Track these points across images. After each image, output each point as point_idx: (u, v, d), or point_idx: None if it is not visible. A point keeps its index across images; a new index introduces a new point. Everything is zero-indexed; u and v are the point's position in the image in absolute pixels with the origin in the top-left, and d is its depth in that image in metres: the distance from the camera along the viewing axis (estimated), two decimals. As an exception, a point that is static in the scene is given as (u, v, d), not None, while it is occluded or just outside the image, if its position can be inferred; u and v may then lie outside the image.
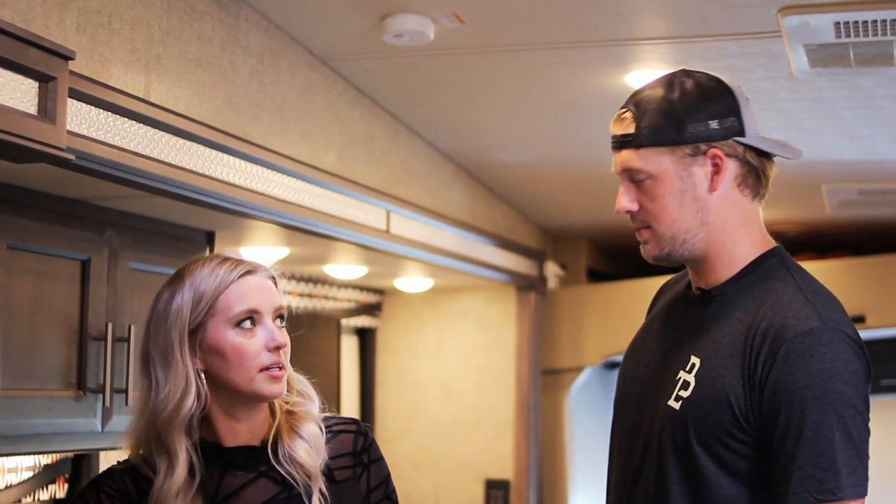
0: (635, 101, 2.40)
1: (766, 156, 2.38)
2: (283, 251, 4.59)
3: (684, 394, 2.31)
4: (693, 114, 2.33)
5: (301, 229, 3.96)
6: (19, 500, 3.55)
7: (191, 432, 2.33)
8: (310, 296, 5.59)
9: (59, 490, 3.73)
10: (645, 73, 4.22)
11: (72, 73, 2.67)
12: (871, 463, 2.34)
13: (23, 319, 2.97)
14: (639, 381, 2.47)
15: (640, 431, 2.41)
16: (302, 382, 2.45)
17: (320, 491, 2.34)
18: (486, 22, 3.78)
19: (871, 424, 2.33)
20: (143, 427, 2.34)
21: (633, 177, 2.39)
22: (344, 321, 6.15)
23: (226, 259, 2.37)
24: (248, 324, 2.32)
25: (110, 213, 3.31)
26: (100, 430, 3.23)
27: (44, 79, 2.55)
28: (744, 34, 3.84)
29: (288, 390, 2.39)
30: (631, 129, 2.37)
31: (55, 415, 3.07)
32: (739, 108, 2.35)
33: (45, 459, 3.63)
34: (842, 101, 4.50)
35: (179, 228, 3.64)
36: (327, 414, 2.49)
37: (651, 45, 4.01)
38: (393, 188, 4.68)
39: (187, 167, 3.24)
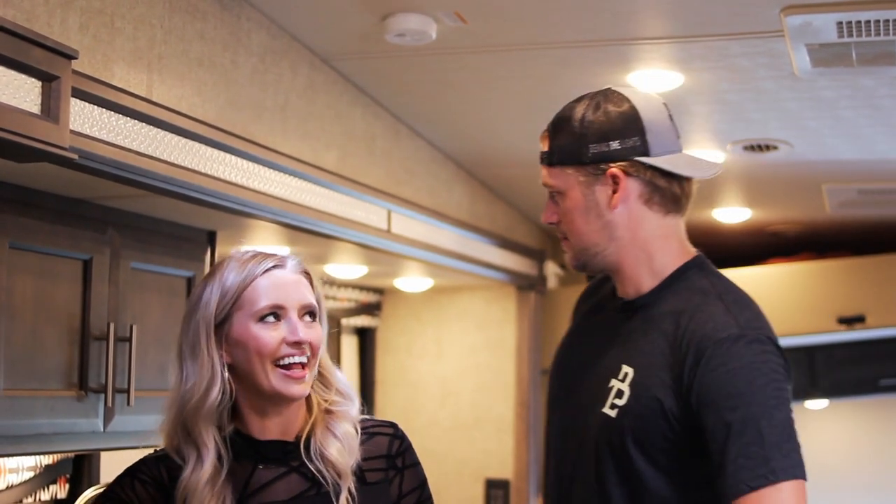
0: (552, 121, 2.54)
1: (677, 175, 2.48)
2: (284, 250, 4.57)
3: (619, 402, 2.41)
4: (596, 135, 2.45)
5: (302, 229, 3.96)
6: (20, 501, 3.55)
7: (222, 424, 2.35)
8: (310, 295, 5.58)
9: (61, 490, 3.72)
10: (646, 72, 4.22)
11: (74, 72, 2.66)
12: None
13: (25, 319, 2.97)
14: (566, 386, 2.59)
15: (572, 435, 2.53)
16: (342, 382, 2.46)
17: (349, 490, 2.34)
18: (488, 21, 3.77)
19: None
20: (173, 418, 2.38)
21: (550, 191, 2.55)
22: (344, 321, 6.14)
23: (257, 254, 2.39)
24: (271, 318, 2.34)
25: (112, 213, 3.31)
26: (101, 430, 3.22)
27: (47, 78, 2.55)
28: (746, 34, 3.83)
29: (326, 388, 2.42)
30: (546, 148, 2.52)
31: (57, 415, 3.06)
32: (644, 128, 2.44)
33: (47, 460, 3.63)
34: (843, 101, 4.50)
35: (181, 228, 3.63)
36: (365, 416, 2.48)
37: (653, 45, 4.00)
38: (394, 188, 4.68)
39: (189, 166, 3.24)
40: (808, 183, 6.00)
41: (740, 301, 2.45)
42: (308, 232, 4.01)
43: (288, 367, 2.33)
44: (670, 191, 2.48)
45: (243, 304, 2.33)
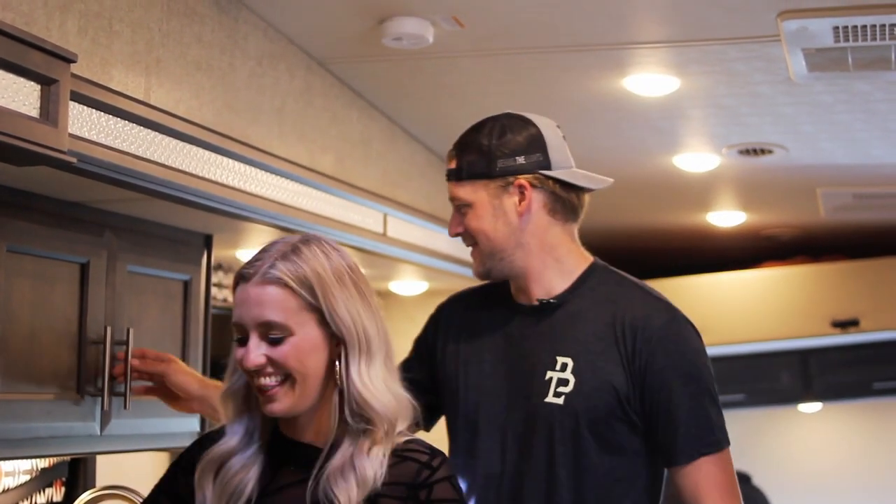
0: (458, 141, 2.78)
1: (574, 187, 2.75)
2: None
3: (565, 390, 2.65)
4: (503, 151, 2.70)
5: (299, 232, 3.95)
6: (16, 504, 3.55)
7: (254, 412, 2.33)
8: (305, 299, 5.58)
9: (56, 494, 3.72)
10: (643, 76, 4.22)
11: (73, 75, 2.66)
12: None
13: (22, 322, 2.96)
14: (489, 393, 2.76)
15: (507, 430, 2.70)
16: (377, 401, 2.26)
17: None
18: (485, 25, 3.77)
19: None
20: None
21: (457, 206, 2.77)
22: (339, 324, 6.14)
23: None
24: (238, 340, 2.27)
25: (109, 217, 3.30)
26: (98, 433, 3.21)
27: (46, 81, 2.55)
28: (743, 38, 3.84)
29: (354, 405, 2.26)
30: (453, 165, 2.75)
31: (54, 418, 3.05)
32: (546, 145, 2.72)
33: (43, 463, 3.62)
34: (839, 105, 4.51)
35: (178, 232, 3.62)
36: (413, 437, 2.34)
37: (649, 49, 4.01)
38: (390, 191, 4.68)
39: (187, 170, 3.23)
40: (803, 187, 6.01)
41: (655, 290, 2.78)
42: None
43: (258, 388, 2.27)
44: (570, 201, 2.75)
45: None
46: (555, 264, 2.75)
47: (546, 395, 2.66)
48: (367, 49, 3.96)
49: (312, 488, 2.24)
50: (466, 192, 2.73)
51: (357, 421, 2.25)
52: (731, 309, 7.22)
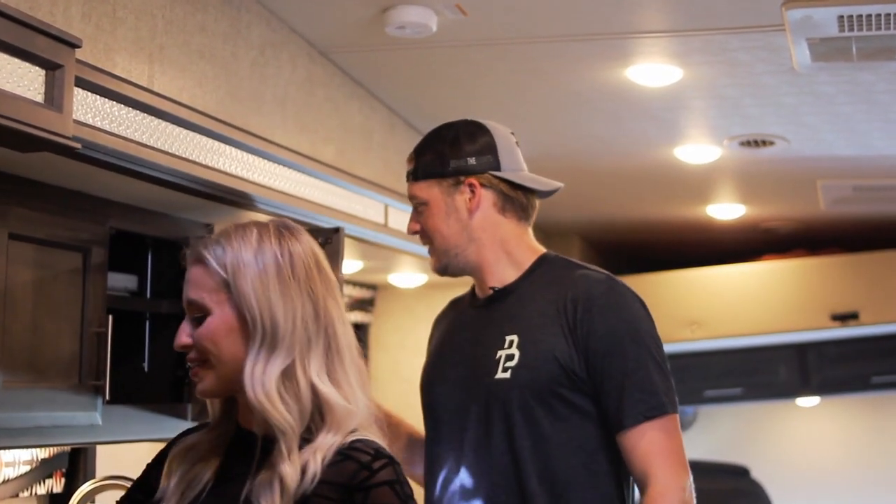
0: (417, 146, 3.01)
1: (523, 188, 2.97)
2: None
3: (511, 364, 2.83)
4: (455, 152, 2.93)
5: (300, 222, 3.92)
6: (17, 495, 3.53)
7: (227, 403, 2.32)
8: (304, 291, 5.56)
9: (57, 485, 3.70)
10: (646, 66, 4.21)
11: (77, 61, 2.64)
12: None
13: (24, 311, 2.94)
14: (448, 381, 2.98)
15: (469, 412, 2.89)
16: (266, 406, 2.16)
17: None
18: (488, 14, 3.76)
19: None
20: None
21: (414, 204, 3.00)
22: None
23: None
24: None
25: (111, 205, 3.28)
26: (100, 423, 3.20)
27: (51, 66, 2.53)
28: (746, 27, 3.82)
29: (289, 401, 2.18)
30: (411, 166, 3.00)
31: (56, 408, 3.04)
32: (497, 148, 2.94)
33: (43, 453, 3.60)
34: (841, 96, 4.50)
35: (179, 221, 3.61)
36: (361, 437, 2.22)
37: (652, 39, 3.99)
38: (391, 181, 4.66)
39: (190, 158, 3.22)
40: (803, 179, 6.00)
41: (594, 268, 2.94)
42: (306, 226, 3.98)
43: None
44: (518, 201, 2.97)
45: None
46: (506, 257, 2.97)
47: (496, 372, 2.85)
48: (369, 38, 3.95)
49: (249, 484, 2.17)
50: (422, 189, 2.97)
51: (283, 414, 2.18)
52: (730, 302, 7.21)
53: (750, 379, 7.37)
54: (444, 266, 3.02)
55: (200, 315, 2.21)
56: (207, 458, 2.29)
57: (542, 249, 3.03)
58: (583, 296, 2.82)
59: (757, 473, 7.67)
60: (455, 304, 3.20)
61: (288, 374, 2.19)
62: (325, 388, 2.21)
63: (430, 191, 2.96)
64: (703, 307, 7.13)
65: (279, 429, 2.15)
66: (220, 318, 2.21)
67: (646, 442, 2.73)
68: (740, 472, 7.67)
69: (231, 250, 2.23)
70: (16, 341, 2.91)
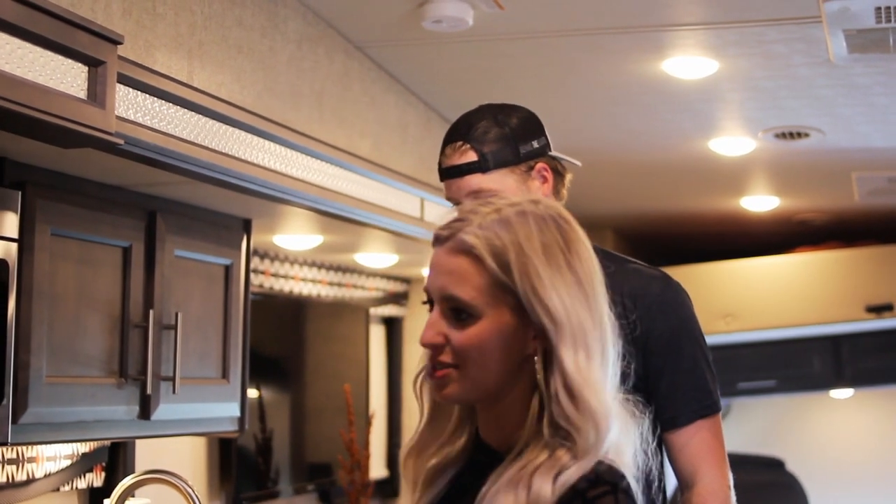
0: (469, 136, 2.75)
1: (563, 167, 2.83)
2: (317, 239, 4.58)
3: None
4: (522, 138, 2.74)
5: (337, 216, 3.94)
6: (58, 489, 3.55)
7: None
8: (339, 284, 5.57)
9: (97, 479, 3.72)
10: (681, 59, 4.20)
11: (118, 57, 2.66)
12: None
13: (67, 306, 2.97)
14: None
15: None
16: (593, 404, 1.77)
17: None
18: (524, 7, 3.76)
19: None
20: None
21: (478, 198, 2.68)
22: (372, 310, 6.13)
23: None
24: (431, 304, 1.88)
25: (151, 200, 3.30)
26: (139, 418, 3.22)
27: (93, 63, 2.55)
28: (783, 19, 3.81)
29: (561, 413, 1.77)
30: (474, 158, 2.72)
31: (98, 402, 3.06)
32: (544, 129, 2.77)
33: (83, 448, 3.62)
34: (877, 88, 4.48)
35: (218, 216, 3.63)
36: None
37: (688, 31, 3.99)
38: (426, 175, 4.67)
39: (229, 153, 3.23)
40: (837, 171, 5.98)
41: (646, 264, 2.83)
42: (342, 219, 4.00)
43: (429, 367, 1.90)
44: (565, 181, 2.82)
45: None
46: None
47: None
48: (406, 32, 3.95)
49: None
50: (495, 181, 2.70)
51: (555, 430, 1.78)
52: (764, 294, 7.20)
53: (784, 371, 7.35)
54: None
55: (465, 316, 1.81)
56: (446, 472, 1.95)
57: None
58: (641, 292, 2.70)
59: (792, 466, 7.65)
60: None
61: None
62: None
63: (504, 181, 2.70)
64: (737, 299, 7.12)
65: (583, 431, 1.76)
66: (496, 323, 1.80)
67: (697, 440, 2.70)
68: (776, 465, 7.66)
69: (509, 240, 1.81)
70: (58, 336, 2.93)
